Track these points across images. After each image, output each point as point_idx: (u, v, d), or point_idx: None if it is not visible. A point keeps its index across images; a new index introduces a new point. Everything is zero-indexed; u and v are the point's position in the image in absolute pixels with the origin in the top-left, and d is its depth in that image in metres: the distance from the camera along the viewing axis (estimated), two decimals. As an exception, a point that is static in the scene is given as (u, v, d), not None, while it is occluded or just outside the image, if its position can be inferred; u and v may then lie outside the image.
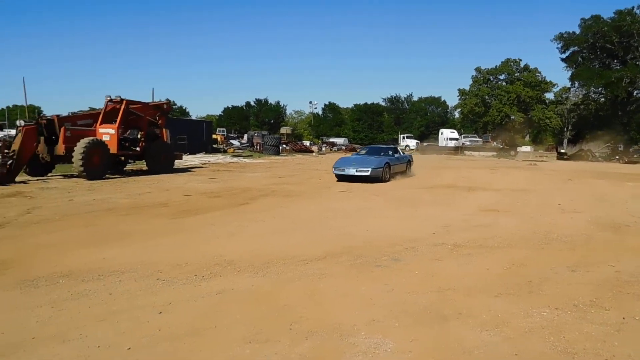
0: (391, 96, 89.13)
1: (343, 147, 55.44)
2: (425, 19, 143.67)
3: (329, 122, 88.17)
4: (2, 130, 36.36)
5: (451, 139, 55.61)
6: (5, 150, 13.97)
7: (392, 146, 21.82)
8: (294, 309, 4.39)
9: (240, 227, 8.22)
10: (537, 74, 68.73)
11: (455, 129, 65.32)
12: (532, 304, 4.57)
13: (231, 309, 4.37)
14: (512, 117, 67.73)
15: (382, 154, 17.95)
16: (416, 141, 63.21)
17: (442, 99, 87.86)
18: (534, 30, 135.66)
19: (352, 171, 15.85)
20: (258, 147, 40.48)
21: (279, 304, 4.52)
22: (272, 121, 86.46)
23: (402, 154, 19.48)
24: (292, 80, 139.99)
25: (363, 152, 19.39)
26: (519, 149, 51.79)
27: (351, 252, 6.50)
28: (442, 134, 58.23)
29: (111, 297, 4.64)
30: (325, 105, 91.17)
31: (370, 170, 15.58)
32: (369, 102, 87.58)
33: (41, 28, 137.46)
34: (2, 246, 6.63)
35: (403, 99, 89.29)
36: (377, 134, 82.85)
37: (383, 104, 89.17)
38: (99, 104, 25.79)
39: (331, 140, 65.02)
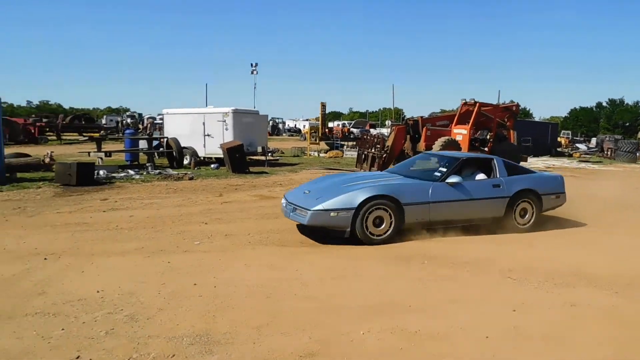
0: None
1: None
2: None
3: None
4: (375, 129, 42.33)
5: None
6: (378, 146, 16.30)
7: (464, 156, 8.11)
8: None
9: (601, 239, 7.26)
10: None
11: None
12: None
13: (586, 325, 3.97)
14: None
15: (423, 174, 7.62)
16: None
17: None
18: None
19: (289, 212, 6.88)
20: (608, 153, 34.81)
21: (646, 333, 3.85)
22: (627, 124, 72.52)
23: (502, 172, 7.49)
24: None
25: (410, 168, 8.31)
26: None
27: None
28: None
29: (464, 286, 4.89)
30: None
31: (309, 214, 6.29)
32: None
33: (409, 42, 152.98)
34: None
35: None
36: None
37: None
38: (448, 105, 26.92)
39: None
